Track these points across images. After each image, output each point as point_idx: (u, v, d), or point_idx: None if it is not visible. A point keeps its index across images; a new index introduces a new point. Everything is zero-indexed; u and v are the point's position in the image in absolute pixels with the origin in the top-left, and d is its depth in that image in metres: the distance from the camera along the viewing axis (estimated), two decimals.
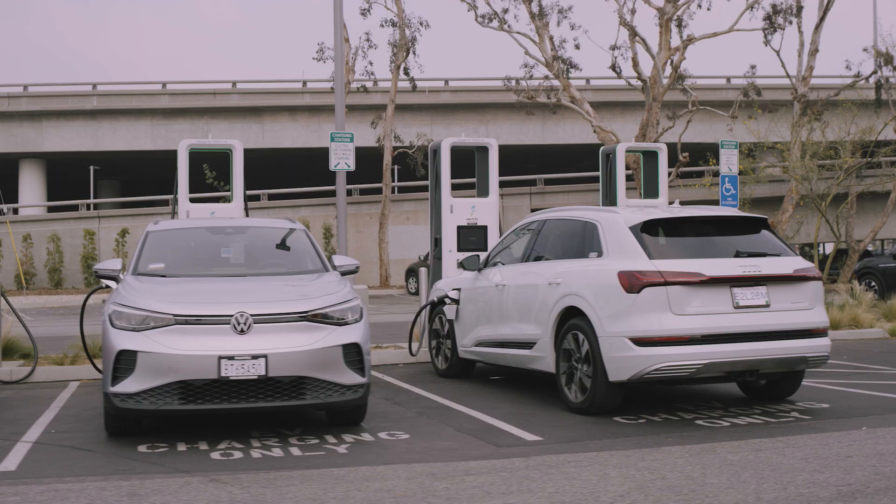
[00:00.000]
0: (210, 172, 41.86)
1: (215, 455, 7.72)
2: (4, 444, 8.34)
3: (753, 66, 31.21)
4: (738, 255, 9.03)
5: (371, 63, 34.76)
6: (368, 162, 39.98)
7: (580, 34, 42.45)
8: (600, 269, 9.09)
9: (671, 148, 30.84)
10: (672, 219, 9.29)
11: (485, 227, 13.86)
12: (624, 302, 8.72)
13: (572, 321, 9.32)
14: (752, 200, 33.80)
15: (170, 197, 41.30)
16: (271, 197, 39.40)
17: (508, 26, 32.33)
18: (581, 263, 9.46)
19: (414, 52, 33.56)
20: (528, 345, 10.04)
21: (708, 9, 30.54)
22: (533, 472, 6.88)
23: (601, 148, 15.01)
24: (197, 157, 14.94)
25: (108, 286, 11.50)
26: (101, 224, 37.29)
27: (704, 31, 30.77)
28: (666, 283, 8.61)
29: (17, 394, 11.39)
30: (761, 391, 9.95)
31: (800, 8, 31.43)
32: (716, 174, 39.06)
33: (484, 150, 13.96)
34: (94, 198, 47.41)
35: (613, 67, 30.96)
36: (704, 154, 34.35)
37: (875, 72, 31.78)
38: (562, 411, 9.38)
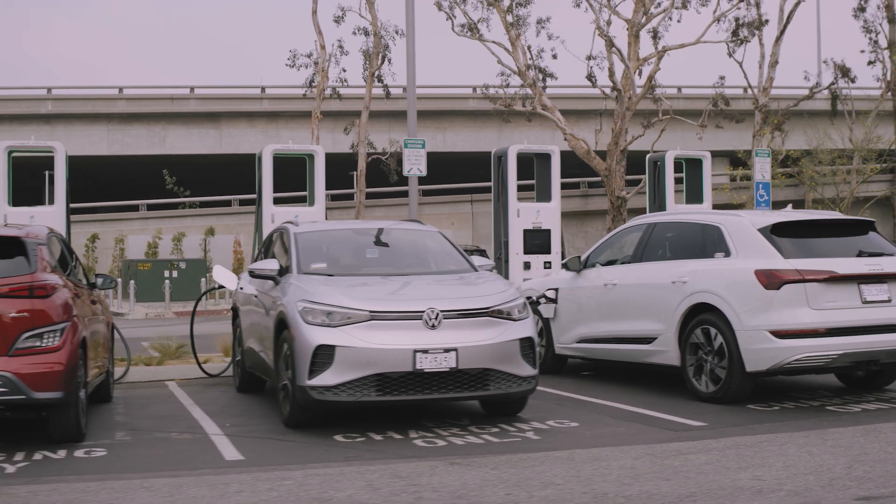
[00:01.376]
0: (170, 178, 41.74)
1: (419, 442, 8.20)
2: (197, 436, 8.69)
3: (722, 77, 32.45)
4: (860, 254, 9.83)
5: (344, 70, 35.02)
6: (337, 168, 40.21)
7: (557, 44, 43.27)
8: (734, 268, 9.81)
9: (642, 156, 31.86)
10: (796, 221, 10.05)
11: (548, 231, 14.51)
12: (763, 298, 9.45)
13: (701, 317, 10.02)
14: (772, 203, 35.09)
15: (142, 202, 41.03)
16: (242, 202, 39.43)
17: (481, 35, 33.00)
18: (708, 263, 10.17)
19: (389, 61, 34.02)
20: (647, 340, 10.71)
21: (678, 21, 31.68)
22: (743, 451, 7.54)
23: (648, 156, 15.79)
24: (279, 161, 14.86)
25: (221, 288, 11.88)
26: (71, 230, 36.83)
27: (676, 42, 31.76)
28: (804, 281, 9.37)
29: (128, 393, 11.62)
30: (861, 381, 10.77)
31: (762, 23, 32.73)
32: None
33: (546, 157, 14.62)
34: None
35: (589, 77, 31.90)
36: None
37: (832, 83, 33.29)
38: (690, 401, 10.04)
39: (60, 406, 8.08)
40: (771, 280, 9.45)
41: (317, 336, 8.46)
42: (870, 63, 34.64)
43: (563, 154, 39.77)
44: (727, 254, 10.07)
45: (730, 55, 33.05)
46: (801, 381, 11.41)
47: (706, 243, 10.39)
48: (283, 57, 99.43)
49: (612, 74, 30.89)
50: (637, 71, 31.91)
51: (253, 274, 9.90)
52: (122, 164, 45.20)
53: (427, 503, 6.16)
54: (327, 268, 9.65)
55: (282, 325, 9.06)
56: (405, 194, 42.80)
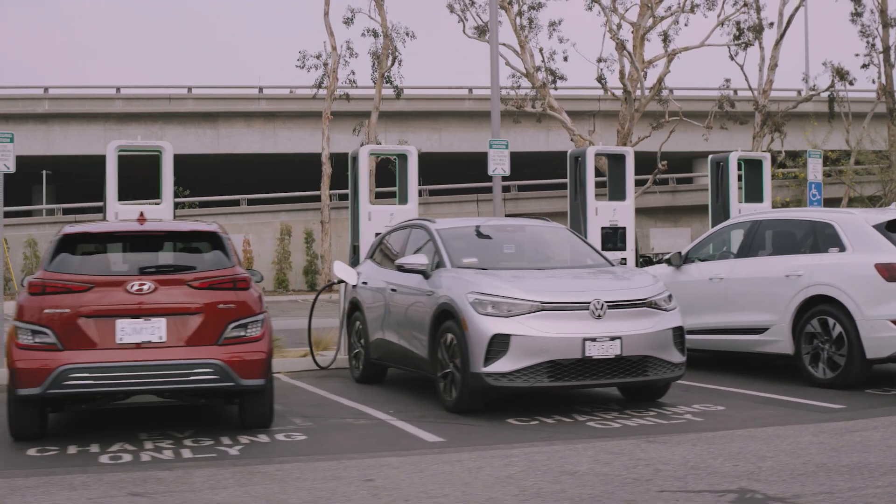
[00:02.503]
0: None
1: (593, 424, 8.79)
2: (375, 422, 9.20)
3: (728, 80, 33.36)
4: None
5: (353, 72, 35.42)
6: (344, 167, 40.55)
7: (568, 46, 43.93)
8: (853, 263, 10.50)
9: (650, 156, 32.71)
10: None
11: (623, 228, 15.10)
12: (883, 290, 10.16)
13: (818, 308, 10.69)
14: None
15: (150, 202, 41.05)
16: (250, 202, 39.66)
17: (488, 37, 33.55)
18: (823, 258, 10.84)
19: (399, 62, 34.49)
20: (758, 330, 11.36)
21: (685, 24, 32.49)
22: None
23: (710, 157, 16.43)
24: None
25: (341, 282, 12.34)
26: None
27: (681, 46, 32.60)
28: None
29: None
30: None
31: (761, 28, 33.63)
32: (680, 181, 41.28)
33: (621, 158, 15.22)
34: (30, 204, 46.64)
35: (600, 79, 32.63)
36: (679, 162, 36.38)
37: (831, 86, 34.27)
38: (805, 387, 10.68)
39: (261, 392, 8.55)
40: (892, 273, 10.15)
41: (492, 325, 9.01)
42: (863, 66, 35.66)
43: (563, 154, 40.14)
44: (842, 249, 10.73)
45: (731, 58, 33.93)
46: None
47: (818, 239, 11.06)
48: (280, 57, 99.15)
49: (622, 77, 31.63)
50: (643, 73, 32.69)
51: (402, 268, 10.39)
52: (119, 164, 45.08)
53: (666, 475, 6.73)
54: (478, 262, 10.16)
55: (443, 315, 9.59)
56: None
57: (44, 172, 44.96)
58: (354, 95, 37.16)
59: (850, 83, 34.13)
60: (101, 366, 8.02)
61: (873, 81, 35.48)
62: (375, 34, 35.01)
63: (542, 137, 45.30)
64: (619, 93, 33.01)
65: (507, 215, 38.59)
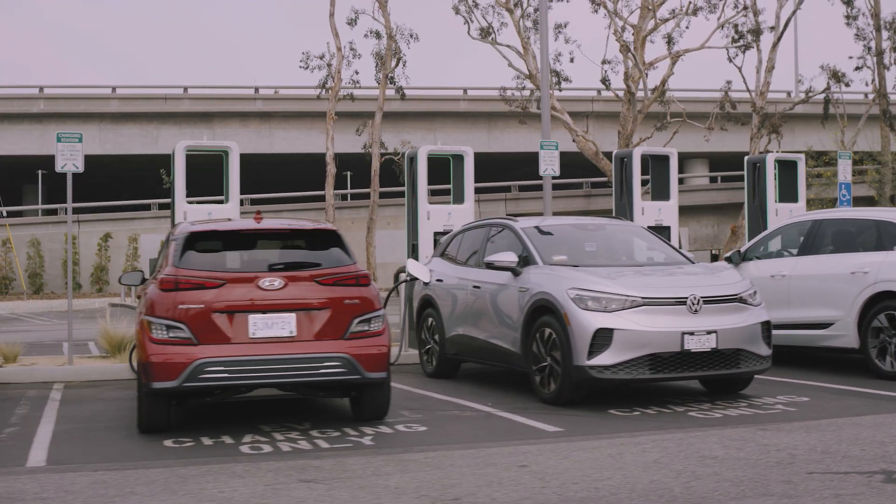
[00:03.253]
0: (167, 178, 41.85)
1: (693, 413, 9.18)
2: (480, 414, 9.55)
3: (729, 82, 33.92)
4: None
5: (357, 72, 35.68)
6: (348, 167, 40.91)
7: (573, 48, 44.37)
8: None
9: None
10: None
11: (668, 227, 15.53)
12: None
13: (885, 303, 11.17)
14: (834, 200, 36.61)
15: (153, 201, 41.12)
16: (253, 202, 39.81)
17: (492, 39, 34.00)
18: (888, 255, 11.31)
19: (403, 63, 34.78)
20: (823, 325, 11.82)
21: (687, 27, 33.02)
22: None
23: (746, 158, 16.90)
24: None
25: (414, 279, 12.66)
26: (80, 228, 36.95)
27: (681, 48, 33.19)
28: None
29: None
30: None
31: (759, 31, 34.25)
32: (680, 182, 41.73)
33: (665, 159, 15.65)
34: (16, 205, 46.53)
35: (604, 80, 33.10)
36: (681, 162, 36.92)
37: (826, 88, 34.96)
38: (867, 378, 11.16)
39: (381, 385, 8.87)
40: None
41: (595, 320, 9.39)
42: (857, 69, 36.39)
43: (568, 154, 40.87)
44: None
45: (730, 60, 34.51)
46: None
47: (883, 238, 11.54)
48: (276, 58, 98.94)
49: (627, 78, 32.12)
50: (644, 74, 33.20)
51: (492, 266, 10.74)
52: (115, 164, 45.18)
53: (803, 459, 7.12)
54: (567, 259, 10.54)
55: (540, 311, 9.96)
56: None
57: (39, 172, 44.83)
58: (357, 96, 37.40)
59: (847, 85, 34.83)
60: (235, 359, 8.31)
61: (867, 84, 36.25)
62: (378, 35, 35.27)
63: (535, 138, 45.72)
64: (620, 94, 33.48)
65: (508, 215, 38.98)
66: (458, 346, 11.70)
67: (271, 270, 8.64)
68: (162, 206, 40.72)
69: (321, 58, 35.29)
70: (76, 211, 38.81)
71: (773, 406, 9.59)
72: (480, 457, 7.45)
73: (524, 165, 46.66)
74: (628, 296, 9.48)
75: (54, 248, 36.89)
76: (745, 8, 33.82)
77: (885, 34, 35.75)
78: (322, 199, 36.07)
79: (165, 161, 45.81)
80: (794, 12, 34.07)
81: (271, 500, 6.30)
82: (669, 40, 32.42)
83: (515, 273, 10.56)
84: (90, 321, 24.16)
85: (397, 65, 34.91)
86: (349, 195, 44.25)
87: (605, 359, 9.34)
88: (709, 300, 9.60)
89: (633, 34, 33.27)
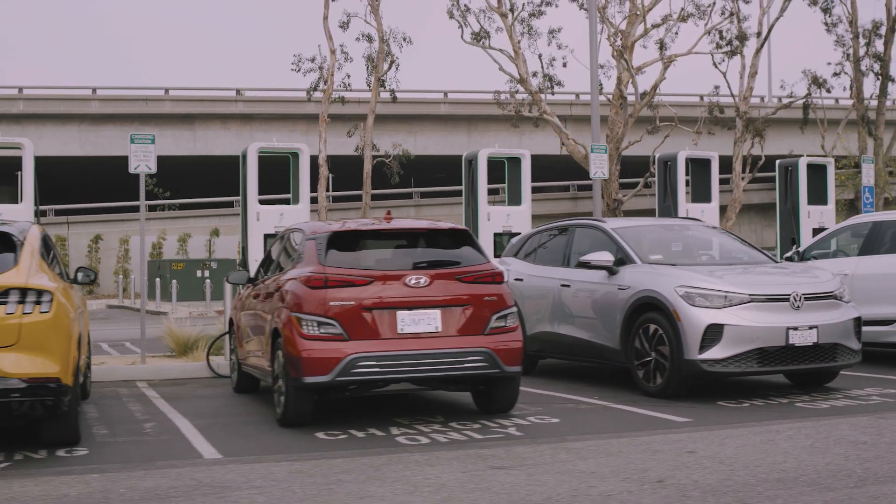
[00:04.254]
0: (151, 179, 41.79)
1: (800, 405, 9.71)
2: (594, 407, 9.99)
3: (717, 87, 34.77)
4: None
5: (349, 75, 35.95)
6: (339, 170, 40.99)
7: (566, 53, 44.93)
8: None
9: (638, 160, 33.97)
10: None
11: None
12: None
13: None
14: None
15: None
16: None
17: (484, 44, 34.49)
18: None
19: (396, 67, 35.14)
20: (886, 322, 12.46)
21: (676, 33, 33.79)
22: None
23: (778, 161, 17.55)
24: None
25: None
26: (70, 230, 36.75)
27: (669, 53, 33.96)
28: None
29: None
30: None
31: (745, 37, 35.12)
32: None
33: (707, 163, 16.26)
34: None
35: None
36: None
37: (807, 94, 35.94)
38: None
39: (514, 379, 9.27)
40: None
41: (705, 316, 9.89)
42: (835, 74, 37.43)
43: (550, 158, 41.31)
44: None
45: (715, 66, 35.34)
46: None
47: None
48: (257, 60, 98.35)
49: (619, 83, 32.79)
50: (630, 80, 33.90)
51: (588, 265, 11.18)
52: (95, 165, 44.92)
53: None
54: (663, 259, 11.03)
55: (643, 308, 10.43)
56: (407, 196, 44.05)
57: (18, 174, 44.38)
58: (347, 98, 37.68)
59: (828, 91, 35.84)
60: (386, 354, 8.66)
61: (844, 89, 37.31)
62: (370, 39, 35.58)
63: (514, 142, 46.29)
64: (607, 98, 34.13)
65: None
66: (541, 342, 12.12)
67: (416, 268, 8.99)
68: (152, 209, 40.62)
69: (312, 60, 35.58)
70: (64, 213, 38.61)
71: (869, 397, 10.15)
72: (639, 444, 7.89)
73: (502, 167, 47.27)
74: (736, 293, 9.98)
75: None
76: (732, 14, 34.73)
77: (861, 41, 36.88)
78: (314, 201, 36.29)
79: None
80: (778, 19, 35.03)
81: (482, 485, 6.66)
82: (662, 46, 33.13)
83: (611, 272, 11.01)
84: (98, 322, 24.20)
85: (390, 68, 35.27)
86: (333, 197, 44.38)
87: (715, 353, 9.84)
88: (809, 297, 10.15)
89: (620, 39, 34.00)
